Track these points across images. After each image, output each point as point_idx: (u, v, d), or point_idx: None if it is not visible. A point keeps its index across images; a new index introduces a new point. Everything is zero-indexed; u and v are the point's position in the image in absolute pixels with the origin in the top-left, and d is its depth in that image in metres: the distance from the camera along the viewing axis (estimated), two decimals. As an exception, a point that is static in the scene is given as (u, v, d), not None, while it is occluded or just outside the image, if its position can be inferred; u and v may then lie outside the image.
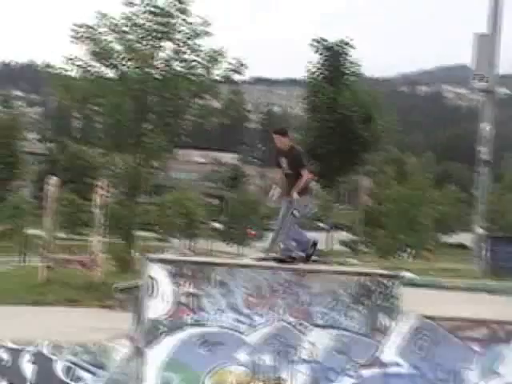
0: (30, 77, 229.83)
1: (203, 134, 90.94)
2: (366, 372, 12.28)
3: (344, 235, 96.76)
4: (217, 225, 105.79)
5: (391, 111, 51.94)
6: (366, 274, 12.91)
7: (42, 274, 23.87)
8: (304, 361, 12.30)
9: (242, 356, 12.22)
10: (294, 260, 12.96)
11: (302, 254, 13.23)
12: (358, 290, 12.49)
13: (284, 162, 13.32)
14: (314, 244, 13.50)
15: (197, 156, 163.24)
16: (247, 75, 37.14)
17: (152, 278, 12.43)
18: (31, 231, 60.28)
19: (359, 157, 40.65)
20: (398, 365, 12.42)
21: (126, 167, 34.33)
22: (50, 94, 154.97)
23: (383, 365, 12.38)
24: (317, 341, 12.36)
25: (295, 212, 13.09)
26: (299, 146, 16.61)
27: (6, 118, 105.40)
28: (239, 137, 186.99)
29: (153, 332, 12.20)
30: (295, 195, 12.87)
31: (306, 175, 13.01)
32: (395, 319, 12.44)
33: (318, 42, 38.99)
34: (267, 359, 12.25)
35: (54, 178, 26.01)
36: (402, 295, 12.51)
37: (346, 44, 39.40)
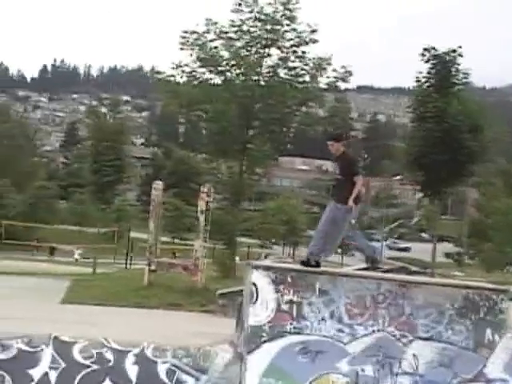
0: (137, 82, 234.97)
1: (307, 142, 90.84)
2: (470, 387, 11.99)
3: (448, 247, 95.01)
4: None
5: (500, 122, 50.72)
6: (473, 288, 12.61)
7: (146, 278, 24.24)
8: (406, 373, 12.08)
9: (344, 365, 12.09)
10: (318, 265, 12.85)
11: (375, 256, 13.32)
12: (463, 303, 12.20)
13: (336, 167, 13.26)
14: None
15: (300, 164, 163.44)
16: (352, 83, 36.96)
17: (254, 285, 12.44)
18: (135, 234, 61.45)
19: (466, 168, 39.77)
20: (504, 381, 12.07)
21: (230, 173, 34.61)
22: (156, 100, 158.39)
23: (489, 380, 12.05)
24: (420, 353, 12.12)
25: (351, 220, 13.02)
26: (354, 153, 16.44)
27: (114, 123, 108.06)
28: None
29: (254, 338, 12.20)
30: (351, 203, 12.72)
31: (359, 183, 12.86)
32: (502, 334, 12.11)
33: (427, 50, 38.39)
34: (369, 370, 12.08)
35: (160, 182, 26.41)
36: (509, 310, 12.17)
37: (454, 52, 38.67)
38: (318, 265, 12.87)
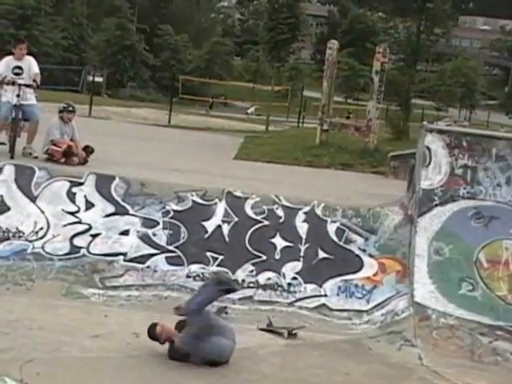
0: None
1: (489, 1, 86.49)
2: None
3: None
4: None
5: None
6: None
7: (318, 137, 24.26)
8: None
9: (517, 232, 11.82)
10: None
11: None
12: None
13: None
14: None
15: (481, 23, 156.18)
16: None
17: (428, 148, 12.21)
18: (308, 93, 61.41)
19: None
20: None
21: (407, 33, 33.62)
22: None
23: None
24: None
25: None
26: None
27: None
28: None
29: (425, 201, 12.08)
30: None
31: None
32: None
33: None
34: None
35: (335, 41, 25.96)
36: None
37: None
38: None
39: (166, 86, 74.44)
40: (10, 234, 12.10)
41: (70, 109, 14.73)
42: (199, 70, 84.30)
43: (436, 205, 12.01)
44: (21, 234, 12.09)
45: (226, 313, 11.18)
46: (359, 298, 11.84)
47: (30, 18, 75.10)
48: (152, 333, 9.26)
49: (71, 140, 14.49)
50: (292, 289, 11.93)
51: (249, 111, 61.91)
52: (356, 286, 11.95)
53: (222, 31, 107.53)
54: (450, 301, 11.30)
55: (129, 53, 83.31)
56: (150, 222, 12.31)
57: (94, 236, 12.16)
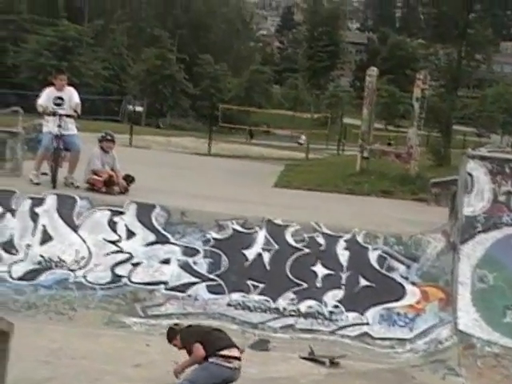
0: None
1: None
2: None
3: None
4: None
5: None
6: None
7: (358, 164, 24.19)
8: None
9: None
10: None
11: None
12: None
13: None
14: None
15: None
16: None
17: (470, 175, 12.09)
18: (348, 120, 61.35)
19: None
20: None
21: (447, 60, 33.48)
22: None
23: None
24: None
25: None
26: None
27: (330, 7, 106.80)
28: None
29: (468, 229, 11.93)
30: None
31: None
32: None
33: None
34: None
35: (374, 68, 25.95)
36: None
37: None
38: None
39: (205, 115, 74.91)
40: (53, 264, 12.20)
41: (109, 138, 14.85)
42: (238, 99, 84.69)
43: (479, 232, 11.86)
44: (63, 264, 12.19)
45: (267, 349, 11.07)
46: (402, 327, 11.72)
47: (71, 50, 76.17)
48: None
49: (112, 169, 14.60)
50: (334, 317, 11.85)
51: (301, 141, 61.86)
52: (398, 314, 11.83)
53: (261, 59, 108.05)
54: (494, 329, 11.14)
55: (169, 82, 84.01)
56: (190, 251, 12.33)
57: (135, 265, 12.21)
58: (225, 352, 8.58)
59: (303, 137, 62.42)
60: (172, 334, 9.08)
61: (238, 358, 8.67)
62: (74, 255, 12.25)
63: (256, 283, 12.06)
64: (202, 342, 8.62)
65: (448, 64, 32.87)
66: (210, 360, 8.53)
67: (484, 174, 12.04)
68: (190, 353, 8.72)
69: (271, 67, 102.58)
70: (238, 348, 8.80)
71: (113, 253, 12.31)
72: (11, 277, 12.10)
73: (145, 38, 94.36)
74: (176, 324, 9.53)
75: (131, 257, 12.26)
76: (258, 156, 39.19)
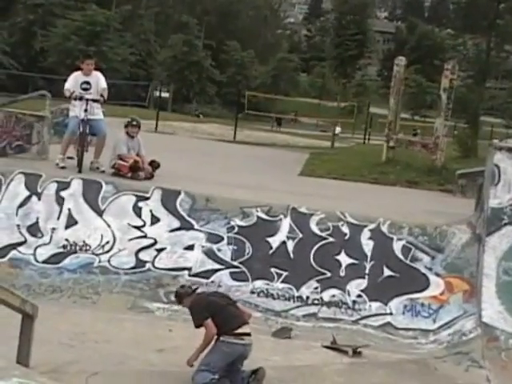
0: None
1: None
2: None
3: None
4: None
5: None
6: None
7: (384, 154, 24.07)
8: None
9: None
10: None
11: None
12: None
13: None
14: None
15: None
16: None
17: (497, 166, 11.98)
18: (375, 110, 61.04)
19: None
20: None
21: (476, 50, 33.23)
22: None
23: None
24: None
25: None
26: None
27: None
28: None
29: (494, 220, 11.84)
30: None
31: None
32: None
33: None
34: None
35: (402, 58, 25.77)
36: None
37: None
38: None
39: (231, 102, 74.88)
40: (77, 248, 12.27)
41: (134, 123, 14.85)
42: (265, 86, 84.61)
43: (505, 224, 11.76)
44: (87, 248, 12.25)
45: (290, 337, 11.08)
46: (425, 317, 11.66)
47: (99, 35, 76.35)
48: None
49: (137, 155, 14.63)
50: (357, 306, 11.82)
51: (336, 131, 61.55)
52: (422, 304, 11.77)
53: (288, 47, 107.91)
54: (519, 322, 11.06)
55: (195, 69, 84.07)
56: (214, 238, 12.34)
57: (159, 250, 12.24)
58: (238, 331, 8.66)
59: (338, 128, 62.09)
60: (180, 298, 9.23)
61: (249, 334, 8.79)
62: (98, 240, 12.30)
63: (279, 271, 12.04)
64: (213, 317, 8.66)
65: (477, 55, 32.62)
66: (222, 339, 8.61)
67: (511, 165, 11.94)
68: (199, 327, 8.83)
69: (298, 55, 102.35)
70: (248, 323, 8.92)
71: (137, 238, 12.35)
72: (36, 260, 12.18)
73: (172, 24, 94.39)
74: (182, 286, 9.60)
75: (155, 242, 12.29)
76: (284, 144, 39.07)
